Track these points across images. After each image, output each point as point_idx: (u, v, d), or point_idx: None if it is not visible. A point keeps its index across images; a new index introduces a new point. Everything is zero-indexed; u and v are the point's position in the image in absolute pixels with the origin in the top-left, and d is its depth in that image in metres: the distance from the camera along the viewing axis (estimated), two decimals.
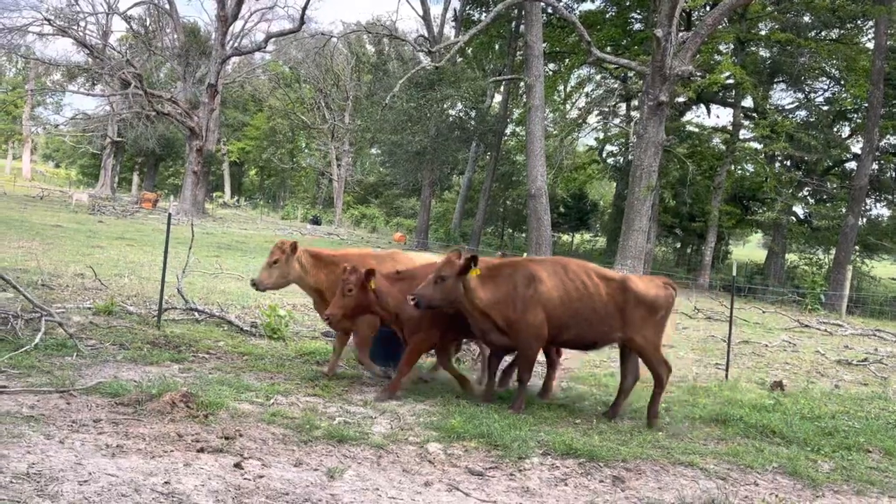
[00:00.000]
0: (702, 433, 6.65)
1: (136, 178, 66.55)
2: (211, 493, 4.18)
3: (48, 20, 33.80)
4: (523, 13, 21.18)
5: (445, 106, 27.17)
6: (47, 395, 5.46)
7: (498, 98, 41.77)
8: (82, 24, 45.00)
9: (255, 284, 7.55)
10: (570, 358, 9.96)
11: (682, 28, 20.71)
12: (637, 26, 34.33)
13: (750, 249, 61.49)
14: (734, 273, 10.20)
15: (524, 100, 40.77)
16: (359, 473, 4.84)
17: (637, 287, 6.73)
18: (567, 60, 33.15)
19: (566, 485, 5.05)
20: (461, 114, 32.41)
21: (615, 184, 47.53)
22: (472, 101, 30.27)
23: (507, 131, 41.75)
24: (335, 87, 59.19)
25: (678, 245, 43.05)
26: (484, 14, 36.49)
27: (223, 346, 8.26)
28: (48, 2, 41.16)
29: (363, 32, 30.90)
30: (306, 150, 70.57)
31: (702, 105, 35.30)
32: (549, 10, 25.21)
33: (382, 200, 60.92)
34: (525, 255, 23.02)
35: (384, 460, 5.18)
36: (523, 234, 53.64)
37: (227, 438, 5.13)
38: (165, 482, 4.20)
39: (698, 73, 20.47)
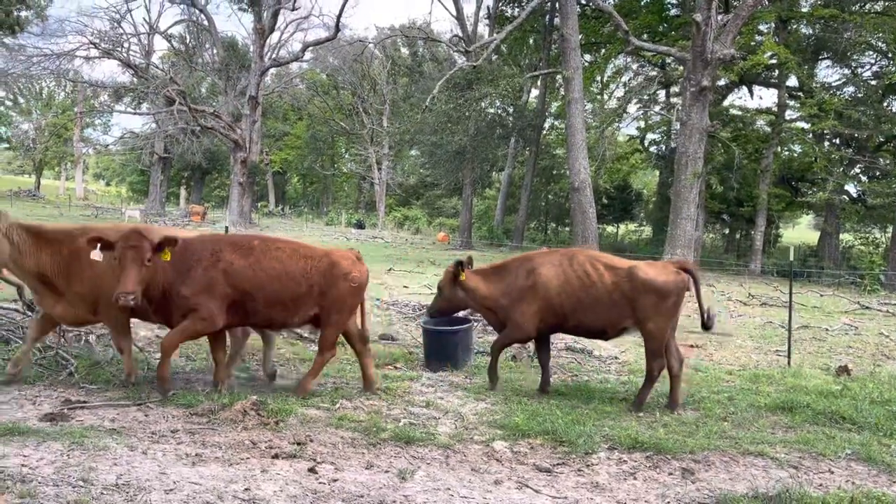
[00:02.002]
0: (768, 422, 6.57)
1: (183, 192, 68.16)
2: (290, 497, 4.30)
3: (94, 44, 34.82)
4: (557, 6, 21.03)
5: (484, 105, 27.13)
6: (126, 408, 5.68)
7: (535, 93, 41.62)
8: (126, 45, 46.35)
9: None
10: (626, 351, 9.97)
11: (721, 10, 20.34)
12: (673, 11, 33.83)
13: (800, 231, 60.03)
14: (791, 257, 10.00)
15: (562, 93, 40.61)
16: (429, 474, 4.92)
17: (646, 274, 6.83)
18: (603, 51, 32.82)
19: (635, 478, 5.06)
20: (499, 111, 32.30)
21: (658, 172, 47.00)
22: (510, 98, 30.19)
23: (546, 125, 41.56)
24: (372, 91, 59.66)
25: (726, 231, 42.26)
26: (517, 10, 36.44)
27: (285, 354, 8.44)
28: (92, 25, 42.38)
29: (400, 36, 30.90)
30: (346, 156, 71.29)
31: (743, 87, 34.61)
32: (584, 2, 25.03)
33: (424, 201, 61.18)
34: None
35: (452, 460, 5.26)
36: (566, 228, 53.28)
37: (298, 444, 5.27)
38: (246, 489, 4.34)
39: (740, 56, 20.06)
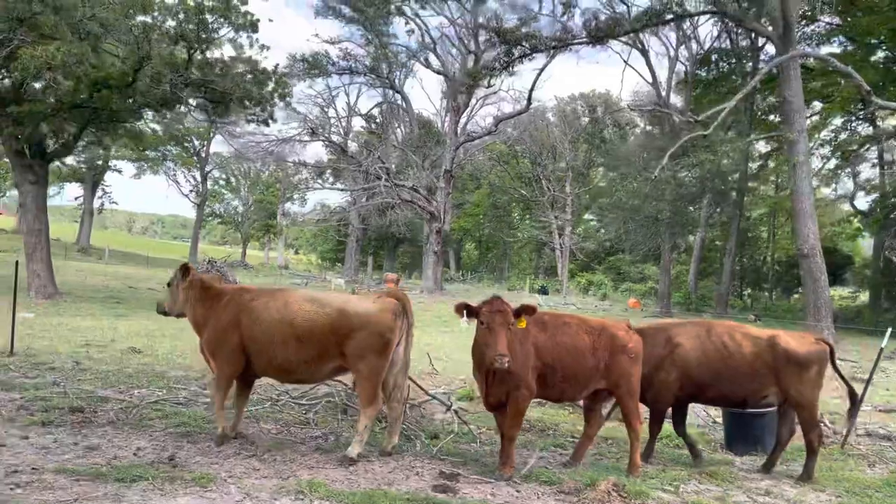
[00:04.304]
0: None
1: (370, 261, 72.15)
2: None
3: (313, 129, 38.51)
4: (778, 70, 20.57)
5: (702, 171, 26.70)
6: (495, 483, 6.06)
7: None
8: (330, 127, 50.89)
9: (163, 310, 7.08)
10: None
11: None
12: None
13: None
14: None
15: (759, 153, 39.14)
16: None
17: (787, 344, 6.99)
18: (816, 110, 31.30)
19: None
20: (707, 175, 31.63)
21: (868, 235, 43.46)
22: (734, 164, 29.36)
23: None
24: (552, 158, 60.66)
25: None
26: (712, 73, 35.94)
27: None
28: (305, 111, 47.03)
29: (641, 110, 31.20)
30: (526, 221, 72.39)
31: None
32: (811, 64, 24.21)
33: (607, 266, 60.38)
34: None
35: None
36: (765, 293, 50.34)
37: None
38: None
39: None
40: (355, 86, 54.62)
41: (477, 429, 8.26)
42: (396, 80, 46.61)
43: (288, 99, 21.65)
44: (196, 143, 60.50)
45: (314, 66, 41.66)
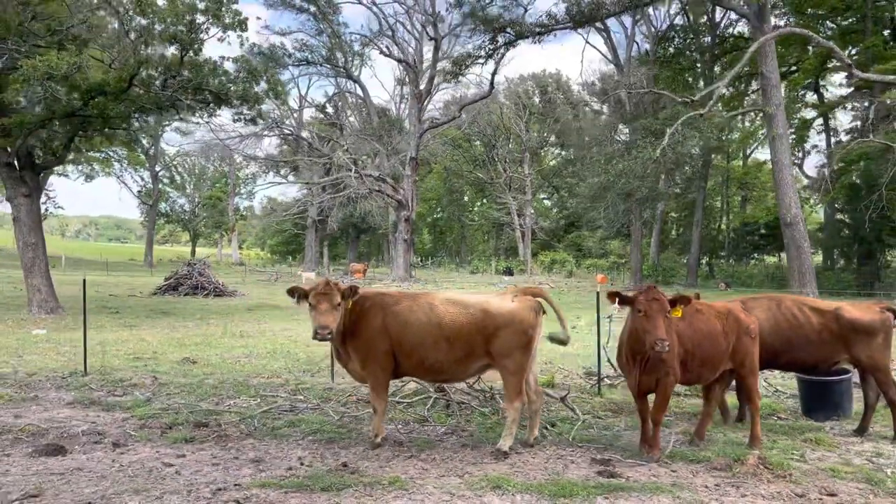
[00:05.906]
0: None
1: (325, 252, 71.68)
2: None
3: (276, 122, 37.90)
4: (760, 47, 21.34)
5: (685, 148, 27.54)
6: (646, 464, 6.39)
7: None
8: (287, 121, 50.18)
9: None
10: None
11: None
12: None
13: None
14: None
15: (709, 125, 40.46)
16: None
17: (851, 314, 7.65)
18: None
19: None
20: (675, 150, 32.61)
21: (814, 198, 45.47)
22: (714, 139, 30.29)
23: None
24: (507, 140, 61.22)
25: None
26: (666, 49, 36.88)
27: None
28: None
29: (617, 93, 31.57)
30: (481, 204, 72.94)
31: None
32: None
33: (567, 243, 61.53)
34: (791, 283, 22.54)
35: None
36: (721, 260, 52.22)
37: (830, 495, 5.79)
38: None
39: None
40: (305, 77, 53.95)
41: (575, 413, 8.59)
42: (353, 70, 46.25)
43: (283, 97, 21.44)
44: (145, 142, 58.72)
45: (271, 58, 40.94)
